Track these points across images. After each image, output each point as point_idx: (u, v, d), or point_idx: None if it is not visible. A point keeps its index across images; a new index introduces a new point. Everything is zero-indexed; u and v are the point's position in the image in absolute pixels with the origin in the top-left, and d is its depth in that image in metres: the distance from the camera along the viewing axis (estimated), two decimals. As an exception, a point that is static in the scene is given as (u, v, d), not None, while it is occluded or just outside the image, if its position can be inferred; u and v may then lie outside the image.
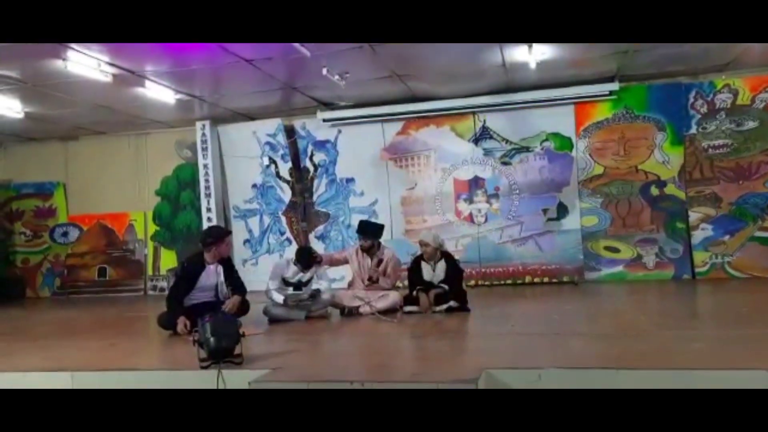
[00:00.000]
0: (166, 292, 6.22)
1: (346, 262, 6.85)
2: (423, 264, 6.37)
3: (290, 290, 6.18)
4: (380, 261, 6.57)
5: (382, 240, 6.83)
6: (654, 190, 8.42)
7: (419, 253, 6.49)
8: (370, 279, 6.58)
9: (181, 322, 5.36)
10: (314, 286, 6.25)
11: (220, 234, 6.00)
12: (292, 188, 9.63)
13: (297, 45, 6.03)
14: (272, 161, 9.63)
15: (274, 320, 6.13)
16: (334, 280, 7.24)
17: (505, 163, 8.85)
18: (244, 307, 5.81)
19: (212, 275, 5.74)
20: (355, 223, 8.89)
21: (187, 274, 5.75)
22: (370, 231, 6.67)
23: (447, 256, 6.45)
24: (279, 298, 6.12)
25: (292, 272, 6.26)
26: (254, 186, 9.75)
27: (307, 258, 6.31)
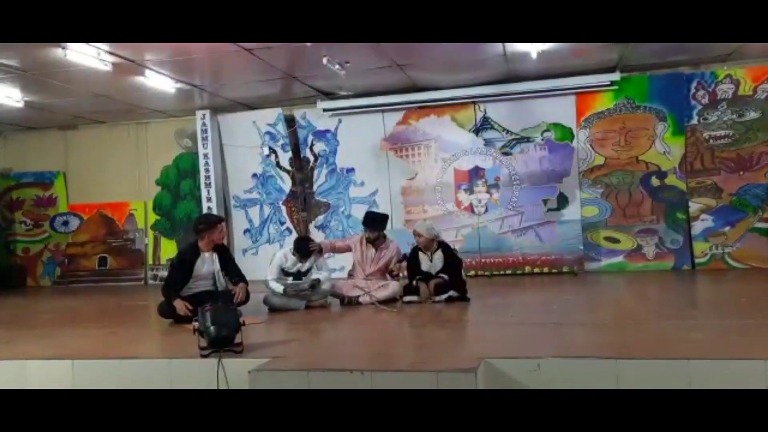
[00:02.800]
0: (166, 282, 6.21)
1: (348, 250, 6.82)
2: (420, 254, 6.38)
3: (290, 280, 6.19)
4: (381, 255, 6.57)
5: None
6: (654, 181, 8.41)
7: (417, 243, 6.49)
8: (391, 273, 6.61)
9: (179, 304, 5.37)
10: (314, 275, 6.26)
11: (211, 221, 5.94)
12: (293, 178, 9.62)
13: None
14: (272, 151, 9.61)
15: (273, 309, 6.14)
16: (334, 270, 7.25)
17: (505, 154, 8.83)
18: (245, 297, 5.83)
19: (208, 263, 5.74)
20: (355, 213, 8.95)
21: (183, 263, 5.75)
22: (376, 222, 6.65)
23: (444, 247, 6.46)
24: (279, 288, 6.13)
25: (291, 262, 6.26)
26: (254, 176, 9.74)
27: (304, 247, 6.31)
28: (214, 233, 5.76)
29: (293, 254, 6.28)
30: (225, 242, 8.93)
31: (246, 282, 5.80)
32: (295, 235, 9.18)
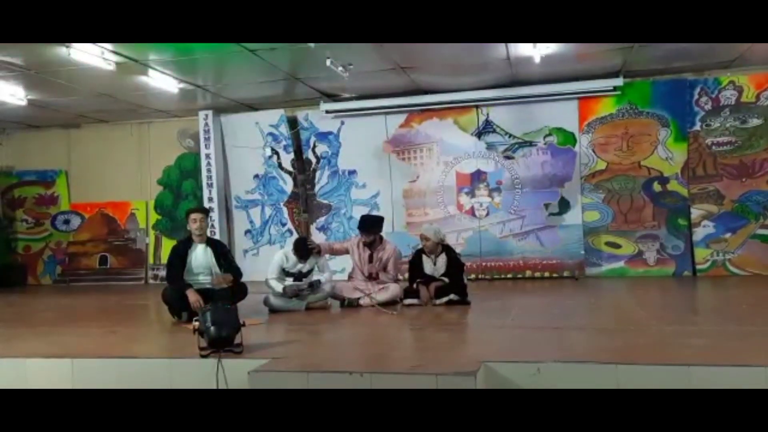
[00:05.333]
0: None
1: (346, 252, 6.83)
2: (424, 258, 6.37)
3: (290, 281, 6.18)
4: (377, 257, 6.54)
5: (383, 232, 6.80)
6: (656, 186, 8.41)
7: (420, 246, 6.48)
8: (370, 275, 6.57)
9: (193, 297, 5.42)
10: (315, 277, 6.26)
11: (189, 209, 6.16)
12: (294, 179, 9.62)
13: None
14: (274, 152, 9.62)
15: (274, 310, 6.13)
16: (335, 272, 7.24)
17: (507, 157, 8.83)
18: (241, 291, 5.86)
19: (202, 256, 5.85)
20: (356, 215, 8.92)
21: (177, 251, 5.93)
22: (371, 226, 6.63)
23: (448, 250, 6.45)
24: (278, 286, 6.13)
25: (291, 263, 6.26)
26: (256, 176, 9.75)
27: (303, 248, 6.30)
28: (189, 221, 5.92)
29: (294, 254, 6.28)
30: (226, 242, 9.03)
31: (239, 275, 5.85)
32: (296, 236, 9.18)
